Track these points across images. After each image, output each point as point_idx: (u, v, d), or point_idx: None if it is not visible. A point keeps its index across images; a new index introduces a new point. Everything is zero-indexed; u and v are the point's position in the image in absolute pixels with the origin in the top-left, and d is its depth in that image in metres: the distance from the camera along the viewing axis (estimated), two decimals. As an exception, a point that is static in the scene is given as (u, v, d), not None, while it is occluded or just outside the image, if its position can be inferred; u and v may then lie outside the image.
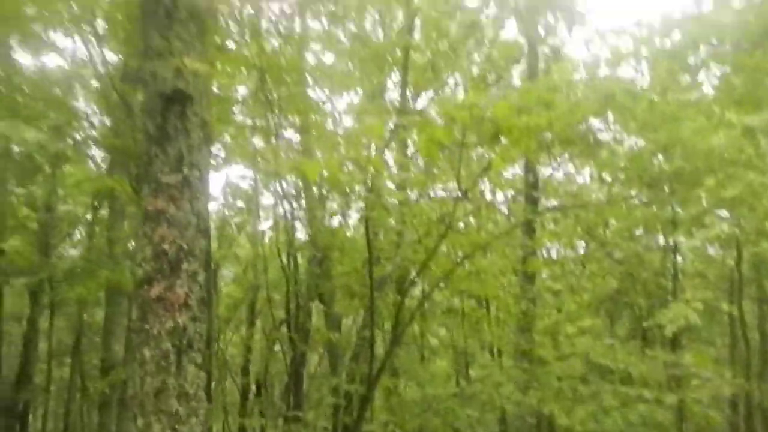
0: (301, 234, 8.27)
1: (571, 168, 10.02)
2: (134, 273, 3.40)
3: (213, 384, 7.90)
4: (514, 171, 11.26)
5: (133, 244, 7.69)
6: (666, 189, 7.75)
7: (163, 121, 3.33)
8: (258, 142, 8.34)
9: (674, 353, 9.73)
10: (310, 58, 9.60)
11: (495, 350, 10.82)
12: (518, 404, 6.83)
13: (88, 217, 10.85)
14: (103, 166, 9.14)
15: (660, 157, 6.90)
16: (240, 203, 9.93)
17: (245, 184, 9.29)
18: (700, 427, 9.84)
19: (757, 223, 7.25)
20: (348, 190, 5.89)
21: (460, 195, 4.95)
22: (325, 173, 3.48)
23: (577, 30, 11.06)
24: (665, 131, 5.08)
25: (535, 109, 2.88)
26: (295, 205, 7.14)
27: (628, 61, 7.16)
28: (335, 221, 7.98)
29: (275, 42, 7.81)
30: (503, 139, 3.18)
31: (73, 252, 11.65)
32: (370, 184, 4.83)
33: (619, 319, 14.91)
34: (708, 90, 8.38)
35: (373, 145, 4.91)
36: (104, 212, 10.25)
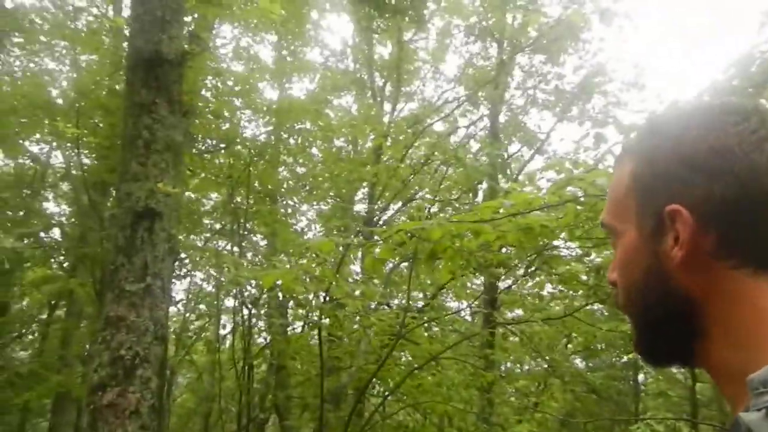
0: (262, 341, 8.28)
1: (531, 283, 10.37)
2: (87, 378, 3.46)
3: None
4: (478, 282, 11.67)
5: (88, 348, 7.58)
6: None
7: (132, 233, 3.58)
8: (224, 247, 8.60)
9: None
10: (282, 170, 10.18)
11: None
12: None
13: (43, 316, 10.64)
14: (65, 266, 9.18)
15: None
16: (202, 306, 9.95)
17: (209, 287, 9.40)
18: None
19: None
20: (302, 299, 6.07)
21: (410, 305, 5.17)
22: (280, 283, 3.71)
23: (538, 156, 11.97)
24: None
25: (466, 235, 3.26)
26: (254, 311, 7.25)
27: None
28: (298, 329, 8.06)
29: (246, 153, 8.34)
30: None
31: (24, 354, 11.25)
32: (324, 294, 5.05)
33: (583, 438, 14.70)
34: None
35: (331, 258, 5.23)
36: (60, 313, 10.10)
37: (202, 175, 7.95)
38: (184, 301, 9.88)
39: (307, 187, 10.63)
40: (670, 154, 0.69)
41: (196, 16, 5.68)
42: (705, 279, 0.66)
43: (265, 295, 7.41)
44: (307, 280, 4.62)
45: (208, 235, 8.56)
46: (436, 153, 10.14)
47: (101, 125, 6.02)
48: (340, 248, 4.35)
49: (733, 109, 0.69)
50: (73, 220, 7.11)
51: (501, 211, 3.15)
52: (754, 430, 0.53)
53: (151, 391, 3.44)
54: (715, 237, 0.65)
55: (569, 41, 10.49)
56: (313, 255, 4.66)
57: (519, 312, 11.33)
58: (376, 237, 3.70)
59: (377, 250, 3.23)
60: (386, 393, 6.53)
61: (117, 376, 3.32)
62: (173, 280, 6.84)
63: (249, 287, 7.25)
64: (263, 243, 10.08)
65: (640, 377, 14.82)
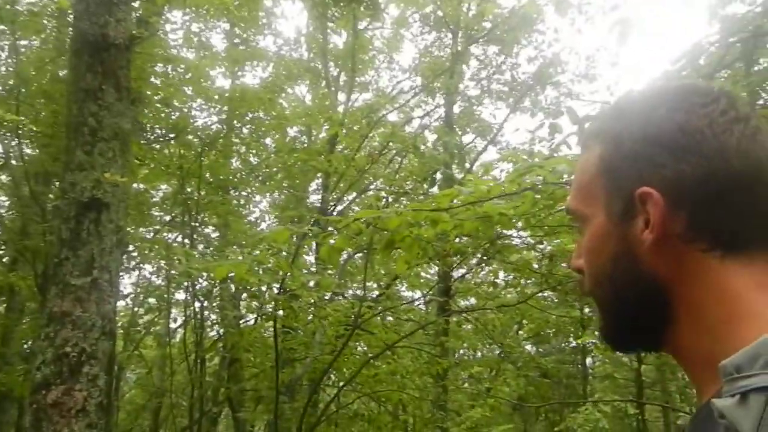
0: (214, 334, 8.12)
1: (485, 271, 10.55)
2: (29, 377, 3.32)
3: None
4: (432, 272, 11.80)
5: (31, 344, 7.26)
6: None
7: (77, 225, 3.43)
8: (174, 239, 8.36)
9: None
10: (234, 161, 9.98)
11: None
12: None
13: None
14: (4, 260, 8.74)
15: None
16: (152, 300, 9.68)
17: (158, 280, 9.14)
18: None
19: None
20: (256, 291, 5.99)
21: (366, 296, 5.18)
22: (233, 274, 3.64)
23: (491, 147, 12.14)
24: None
25: (423, 224, 3.26)
26: (206, 304, 7.10)
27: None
28: (251, 321, 7.94)
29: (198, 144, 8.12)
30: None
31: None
32: (279, 285, 4.98)
33: (535, 422, 15.13)
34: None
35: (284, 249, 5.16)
36: (0, 309, 9.64)
37: (152, 165, 7.71)
38: (133, 295, 9.58)
39: (260, 178, 10.46)
40: (638, 135, 0.67)
41: (144, -1, 5.47)
42: (675, 263, 0.65)
43: (217, 288, 7.28)
44: (261, 271, 4.55)
45: (157, 227, 8.30)
46: (391, 143, 10.13)
47: (43, 113, 5.72)
48: (295, 239, 4.30)
49: (702, 90, 0.69)
50: (11, 212, 6.77)
51: (456, 200, 3.16)
52: (728, 416, 0.52)
53: (99, 388, 3.32)
54: (684, 220, 0.64)
55: (523, 32, 10.65)
56: (267, 246, 4.59)
57: (473, 300, 11.54)
58: (330, 227, 3.67)
59: (332, 240, 3.20)
60: (342, 383, 6.52)
61: (62, 374, 3.19)
62: (121, 274, 6.63)
63: (201, 279, 7.11)
64: (215, 235, 9.88)
65: (588, 361, 15.30)
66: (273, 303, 5.37)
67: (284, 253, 5.35)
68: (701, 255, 0.64)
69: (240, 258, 4.21)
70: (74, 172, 3.48)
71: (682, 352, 0.66)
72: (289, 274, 4.81)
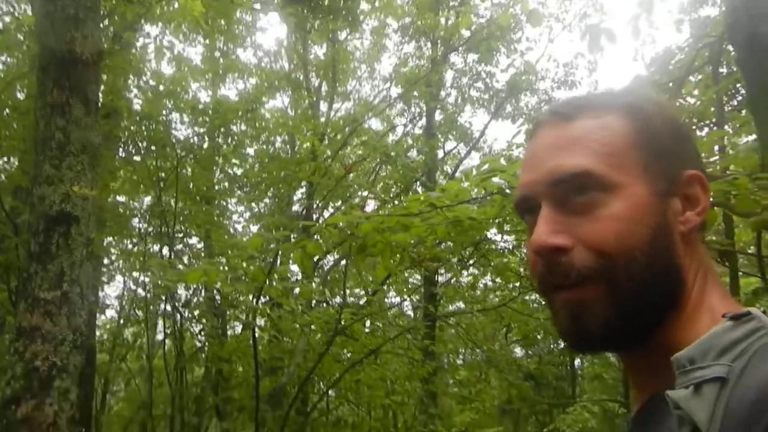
0: (198, 344, 8.09)
1: (467, 276, 10.60)
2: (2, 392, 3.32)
3: None
4: (419, 277, 11.82)
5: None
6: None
7: (46, 239, 3.45)
8: (160, 250, 8.35)
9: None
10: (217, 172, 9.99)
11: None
12: None
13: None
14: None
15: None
16: (139, 312, 9.63)
17: (143, 292, 9.10)
18: None
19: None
20: (233, 300, 6.01)
21: (346, 303, 5.21)
22: (203, 282, 3.66)
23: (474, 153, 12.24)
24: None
25: (396, 229, 3.29)
26: (187, 314, 7.11)
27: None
28: (238, 329, 7.94)
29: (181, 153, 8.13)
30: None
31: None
32: (257, 294, 5.01)
33: (525, 424, 15.15)
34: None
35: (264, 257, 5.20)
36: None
37: (134, 177, 7.71)
38: (117, 308, 9.55)
39: (246, 189, 10.47)
40: (670, 123, 0.69)
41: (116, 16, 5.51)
42: (692, 252, 0.65)
43: (200, 298, 7.29)
44: (239, 279, 4.57)
45: (135, 239, 8.29)
46: (368, 153, 10.20)
47: (15, 127, 5.73)
48: (272, 246, 4.34)
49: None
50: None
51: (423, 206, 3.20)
52: (683, 407, 0.52)
53: (70, 402, 3.33)
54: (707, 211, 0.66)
55: (500, 42, 10.78)
56: (245, 254, 4.62)
57: (460, 305, 11.57)
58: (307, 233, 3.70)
59: (307, 245, 3.24)
60: (327, 389, 6.55)
61: (32, 388, 3.20)
62: (101, 286, 6.62)
63: (182, 290, 7.12)
64: (200, 246, 9.87)
65: (577, 362, 15.36)
66: (252, 312, 5.39)
67: (262, 262, 5.38)
68: (703, 247, 0.67)
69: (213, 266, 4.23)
70: (42, 186, 3.50)
71: (663, 347, 0.61)
72: (267, 282, 4.84)
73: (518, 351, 14.07)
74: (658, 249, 0.62)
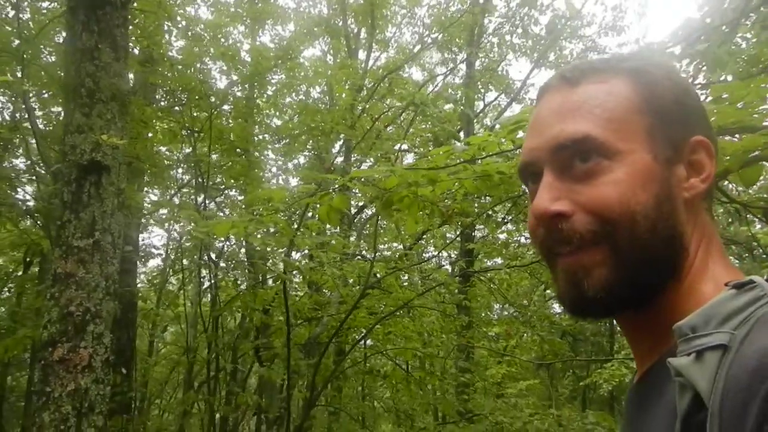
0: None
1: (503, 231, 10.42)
2: (38, 335, 3.44)
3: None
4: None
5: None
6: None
7: (78, 188, 3.48)
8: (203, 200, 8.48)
9: (611, 413, 9.97)
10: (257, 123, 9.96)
11: (439, 413, 10.80)
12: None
13: (19, 273, 10.57)
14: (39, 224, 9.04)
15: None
16: (185, 261, 9.93)
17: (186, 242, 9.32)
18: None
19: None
20: (264, 252, 6.06)
21: (377, 256, 5.17)
22: (233, 233, 3.66)
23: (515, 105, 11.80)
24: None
25: (423, 183, 3.17)
26: (222, 264, 7.25)
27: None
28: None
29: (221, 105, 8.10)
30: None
31: (2, 310, 11.25)
32: (288, 247, 5.03)
33: (562, 378, 15.18)
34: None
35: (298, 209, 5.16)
36: (37, 269, 10.03)
37: (170, 126, 7.73)
38: (163, 256, 9.85)
39: (285, 140, 10.43)
40: (678, 88, 0.67)
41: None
42: (695, 219, 0.65)
43: (229, 249, 7.40)
44: (269, 232, 4.57)
45: (173, 190, 8.41)
46: (399, 103, 9.94)
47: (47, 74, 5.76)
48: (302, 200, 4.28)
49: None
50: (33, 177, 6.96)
51: (449, 159, 3.06)
52: (684, 374, 0.52)
53: (105, 345, 3.42)
54: (713, 177, 0.65)
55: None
56: (272, 207, 4.60)
57: (498, 260, 11.45)
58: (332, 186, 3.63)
59: (333, 199, 3.17)
60: (357, 340, 6.65)
61: (67, 332, 3.29)
62: (135, 236, 6.78)
63: (220, 242, 7.25)
64: (241, 198, 9.97)
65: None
66: (285, 265, 5.44)
67: (294, 215, 5.36)
68: (707, 215, 0.66)
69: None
70: (73, 135, 3.51)
71: (664, 316, 0.62)
72: (298, 234, 4.83)
73: (556, 307, 13.97)
74: (661, 215, 0.62)
